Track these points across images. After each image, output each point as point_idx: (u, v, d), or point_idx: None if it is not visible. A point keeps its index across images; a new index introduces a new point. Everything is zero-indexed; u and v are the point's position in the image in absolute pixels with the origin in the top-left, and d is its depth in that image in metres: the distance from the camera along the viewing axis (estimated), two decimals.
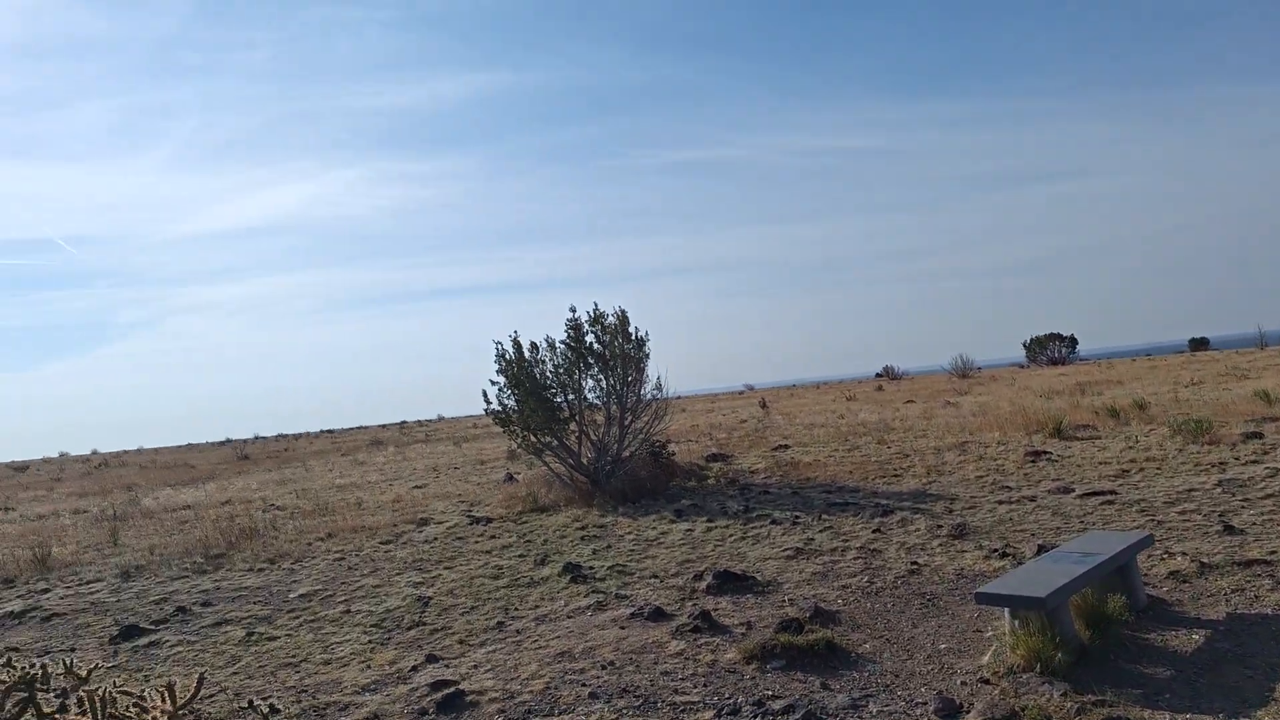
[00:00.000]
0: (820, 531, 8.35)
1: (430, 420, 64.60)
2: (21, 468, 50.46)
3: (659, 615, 5.92)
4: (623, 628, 5.85)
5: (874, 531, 8.09)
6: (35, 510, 19.03)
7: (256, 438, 66.16)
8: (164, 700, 3.61)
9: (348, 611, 7.10)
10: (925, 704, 4.16)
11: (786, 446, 15.73)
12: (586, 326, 12.44)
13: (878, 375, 51.31)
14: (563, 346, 12.46)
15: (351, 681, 5.31)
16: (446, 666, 5.39)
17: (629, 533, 9.23)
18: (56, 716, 3.45)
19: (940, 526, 7.99)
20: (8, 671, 3.54)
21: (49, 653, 6.72)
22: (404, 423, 64.00)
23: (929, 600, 5.90)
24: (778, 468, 13.11)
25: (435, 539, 10.03)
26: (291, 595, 7.91)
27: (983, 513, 8.53)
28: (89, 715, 3.39)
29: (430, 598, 7.26)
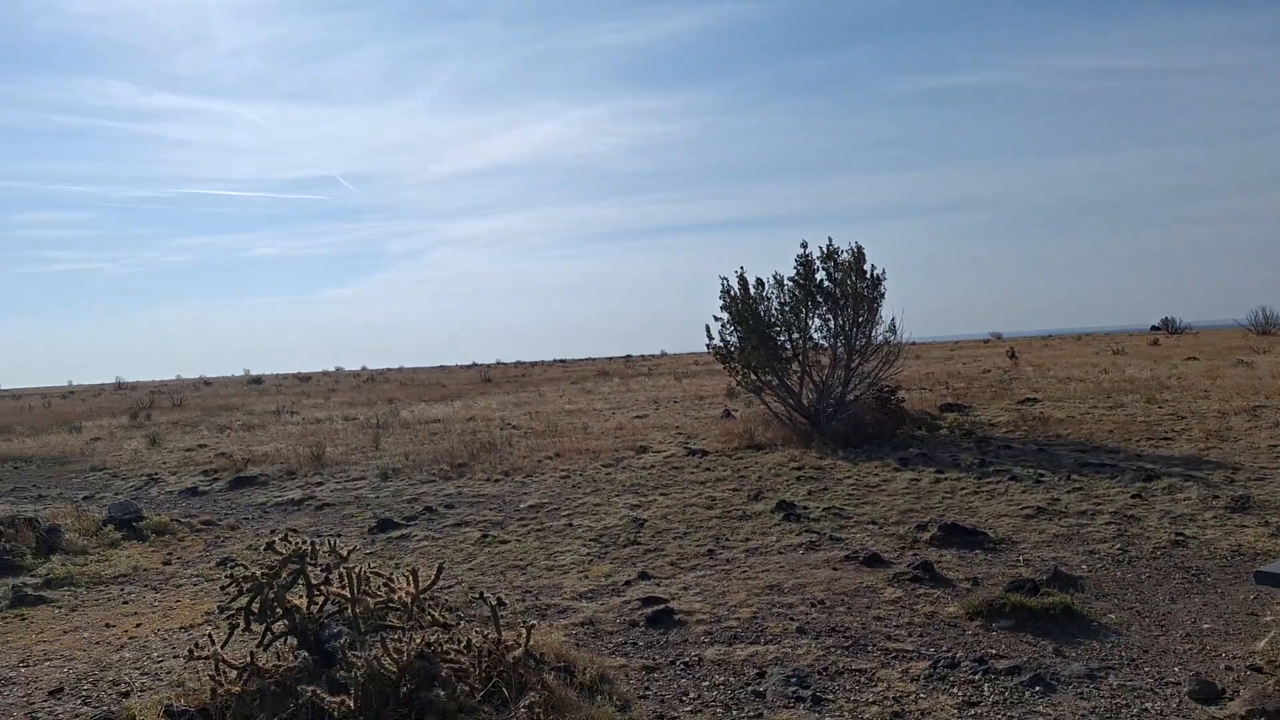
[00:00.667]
0: (1068, 492, 7.61)
1: (654, 355, 66.79)
2: (305, 379, 59.00)
3: (875, 561, 5.74)
4: (835, 569, 5.74)
5: (1133, 497, 7.23)
6: (314, 415, 22.22)
7: (498, 363, 72.30)
8: (408, 584, 4.07)
9: (570, 525, 7.60)
10: (1178, 684, 3.69)
11: (1035, 400, 14.45)
12: (818, 263, 12.07)
13: (1153, 328, 45.51)
14: (790, 284, 12.20)
15: (570, 588, 5.69)
16: (657, 585, 5.61)
17: (848, 477, 8.99)
18: (321, 587, 4.02)
19: (1216, 497, 6.98)
20: (284, 545, 4.16)
21: (319, 535, 7.86)
22: (629, 356, 66.73)
23: (1193, 575, 5.20)
24: (1023, 422, 12.10)
25: (653, 466, 10.40)
26: (522, 505, 8.60)
27: (1273, 485, 7.33)
28: (347, 589, 3.91)
29: (645, 520, 7.57)
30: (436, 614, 3.86)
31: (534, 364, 67.02)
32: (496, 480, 10.22)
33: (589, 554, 6.59)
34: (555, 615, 5.15)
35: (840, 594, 5.19)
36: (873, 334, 12.12)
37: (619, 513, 7.94)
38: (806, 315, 12.09)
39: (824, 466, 9.64)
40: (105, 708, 3.96)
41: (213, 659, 3.72)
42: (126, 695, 4.23)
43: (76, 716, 4.00)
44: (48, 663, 4.82)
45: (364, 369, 69.17)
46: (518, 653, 3.47)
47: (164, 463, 13.99)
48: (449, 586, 5.74)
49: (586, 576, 5.96)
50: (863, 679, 3.96)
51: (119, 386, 64.73)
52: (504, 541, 7.19)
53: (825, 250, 12.03)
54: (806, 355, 12.13)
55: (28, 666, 4.77)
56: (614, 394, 24.60)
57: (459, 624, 3.95)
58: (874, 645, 4.35)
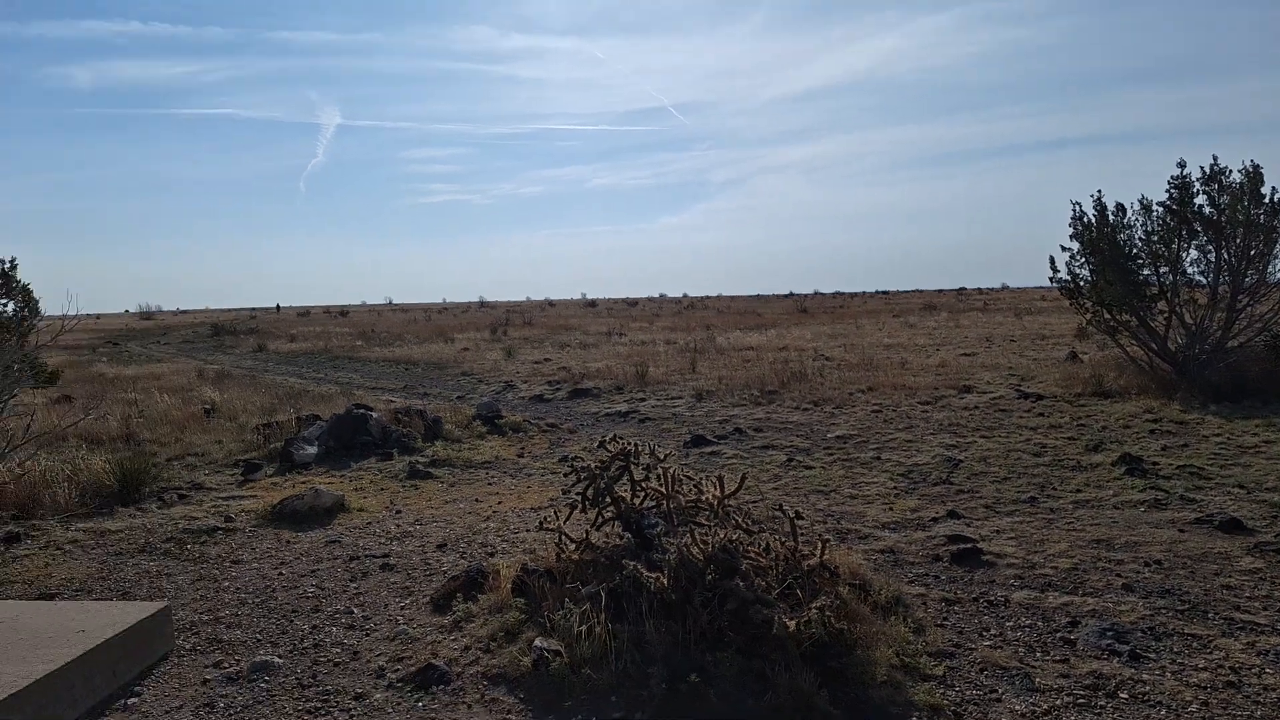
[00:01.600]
0: None
1: (992, 289, 61.80)
2: (633, 303, 63.53)
3: (1234, 527, 5.10)
4: (1181, 530, 5.21)
5: None
6: (639, 338, 24.13)
7: (815, 293, 71.88)
8: (715, 489, 4.53)
9: (878, 458, 7.66)
10: None
11: None
12: (1198, 186, 10.42)
13: None
14: (1160, 210, 10.69)
15: (873, 518, 5.84)
16: (967, 525, 5.54)
17: (1217, 434, 7.89)
18: (642, 483, 4.62)
19: None
20: (613, 445, 4.82)
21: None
22: (962, 289, 62.48)
23: None
24: None
25: (976, 407, 9.96)
26: (829, 435, 8.80)
27: None
28: (663, 486, 4.46)
29: (961, 461, 7.38)
30: (740, 519, 4.27)
31: (853, 295, 65.56)
32: (805, 409, 10.49)
33: (895, 488, 6.64)
34: (855, 540, 5.35)
35: (1183, 557, 4.74)
36: (1268, 270, 10.25)
37: (932, 451, 7.81)
38: (1180, 247, 10.54)
39: (1187, 421, 8.53)
40: (477, 561, 4.97)
41: (556, 532, 4.50)
42: (492, 555, 5.25)
43: (455, 565, 5.08)
44: (434, 524, 6.11)
45: (685, 296, 72.83)
46: (813, 561, 3.75)
47: (517, 372, 16.26)
48: (753, 501, 6.18)
49: (891, 509, 6.05)
50: (1195, 644, 3.66)
51: (481, 305, 75.24)
52: (809, 467, 7.47)
53: (1208, 171, 10.32)
54: (1177, 293, 10.63)
55: (420, 525, 6.08)
56: (940, 329, 23.44)
57: (759, 531, 4.32)
58: (1216, 613, 3.97)
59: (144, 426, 10.01)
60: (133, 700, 3.51)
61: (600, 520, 4.62)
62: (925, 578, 4.64)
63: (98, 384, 15.62)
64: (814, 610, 3.30)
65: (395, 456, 8.31)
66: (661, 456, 4.77)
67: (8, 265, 7.08)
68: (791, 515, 4.08)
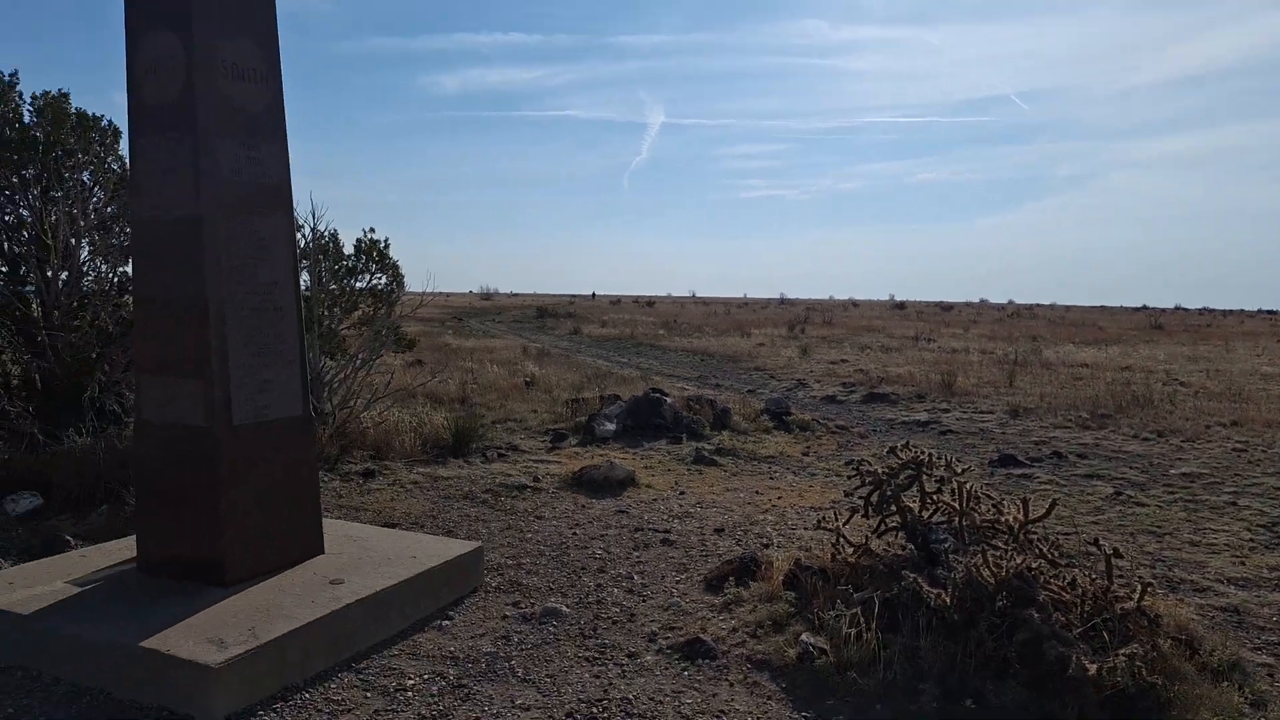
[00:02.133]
0: None
1: None
2: (947, 308, 59.95)
3: None
4: None
5: None
6: (950, 345, 22.75)
7: (1176, 308, 62.73)
8: (1018, 511, 4.20)
9: (1233, 504, 6.58)
10: None
11: None
12: None
13: None
14: None
15: (1217, 570, 5.04)
16: None
17: None
18: (933, 496, 4.42)
19: None
20: (905, 452, 4.66)
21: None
22: None
23: None
24: None
25: None
26: (1172, 471, 7.71)
27: None
28: (956, 501, 4.23)
29: None
30: (1043, 548, 3.93)
31: (1227, 313, 56.17)
32: (1145, 439, 9.27)
33: (1253, 540, 5.66)
34: (1188, 591, 4.66)
35: None
36: None
37: None
38: None
39: None
40: (752, 550, 5.09)
41: (834, 532, 4.47)
42: (767, 546, 5.34)
43: (730, 550, 5.24)
44: (714, 509, 6.32)
45: (1010, 303, 67.26)
46: (1128, 605, 3.35)
47: (810, 371, 16.19)
48: (1064, 532, 5.62)
49: (1242, 563, 5.17)
50: None
51: (782, 301, 75.59)
52: (1141, 504, 6.61)
53: None
54: None
55: (701, 508, 6.33)
56: None
57: (1066, 565, 3.94)
58: None
59: (476, 392, 11.46)
60: (446, 623, 4.09)
61: (883, 528, 4.50)
62: (1279, 647, 3.93)
63: (443, 352, 18.12)
64: (1122, 657, 2.96)
65: (684, 441, 8.71)
66: (959, 471, 4.53)
67: (383, 244, 8.47)
68: (1108, 552, 3.68)
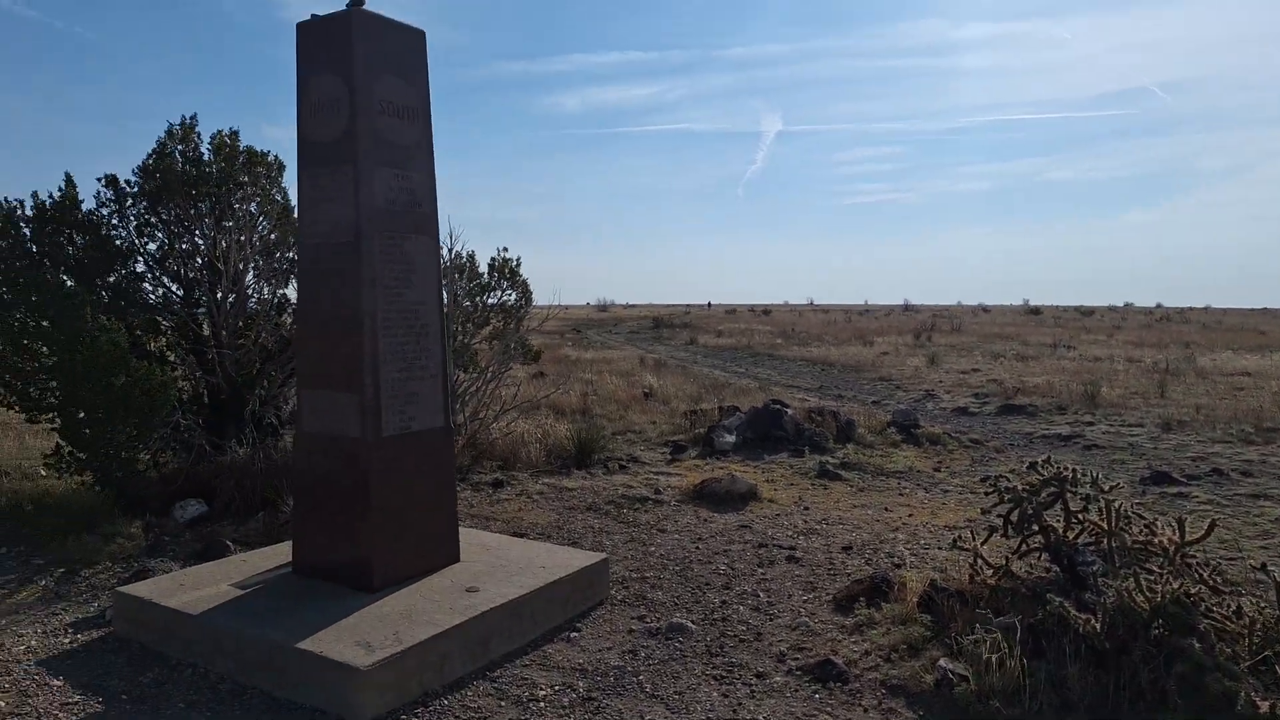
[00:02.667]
0: None
1: None
2: (1088, 312, 56.68)
3: None
4: None
5: None
6: (1092, 353, 21.50)
7: None
8: (1173, 532, 3.96)
9: None
10: None
11: None
12: None
13: None
14: None
15: None
16: None
17: None
18: (1078, 515, 4.22)
19: None
20: (1046, 468, 4.46)
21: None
22: None
23: None
24: None
25: None
26: None
27: None
28: (1104, 521, 4.03)
29: None
30: (1204, 573, 3.69)
31: None
32: None
33: None
34: None
35: None
36: None
37: None
38: None
39: None
40: (882, 569, 4.98)
41: (972, 553, 4.33)
42: (898, 566, 5.22)
43: (860, 569, 5.14)
44: (840, 525, 6.23)
45: (1158, 306, 62.98)
46: None
47: (939, 381, 15.65)
48: (1228, 557, 5.24)
49: None
50: None
51: (906, 308, 73.37)
52: None
53: None
54: None
55: (827, 524, 6.24)
56: None
57: (1230, 592, 3.68)
58: None
59: (596, 403, 11.69)
60: (574, 634, 4.20)
61: (1024, 548, 4.33)
62: None
63: (564, 364, 18.56)
64: None
65: (806, 454, 8.60)
66: (1106, 488, 4.31)
67: (515, 263, 8.78)
68: (1279, 579, 3.42)
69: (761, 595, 4.74)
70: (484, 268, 8.68)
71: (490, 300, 8.65)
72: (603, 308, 75.24)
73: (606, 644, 4.08)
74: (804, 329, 35.82)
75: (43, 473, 5.72)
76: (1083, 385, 12.90)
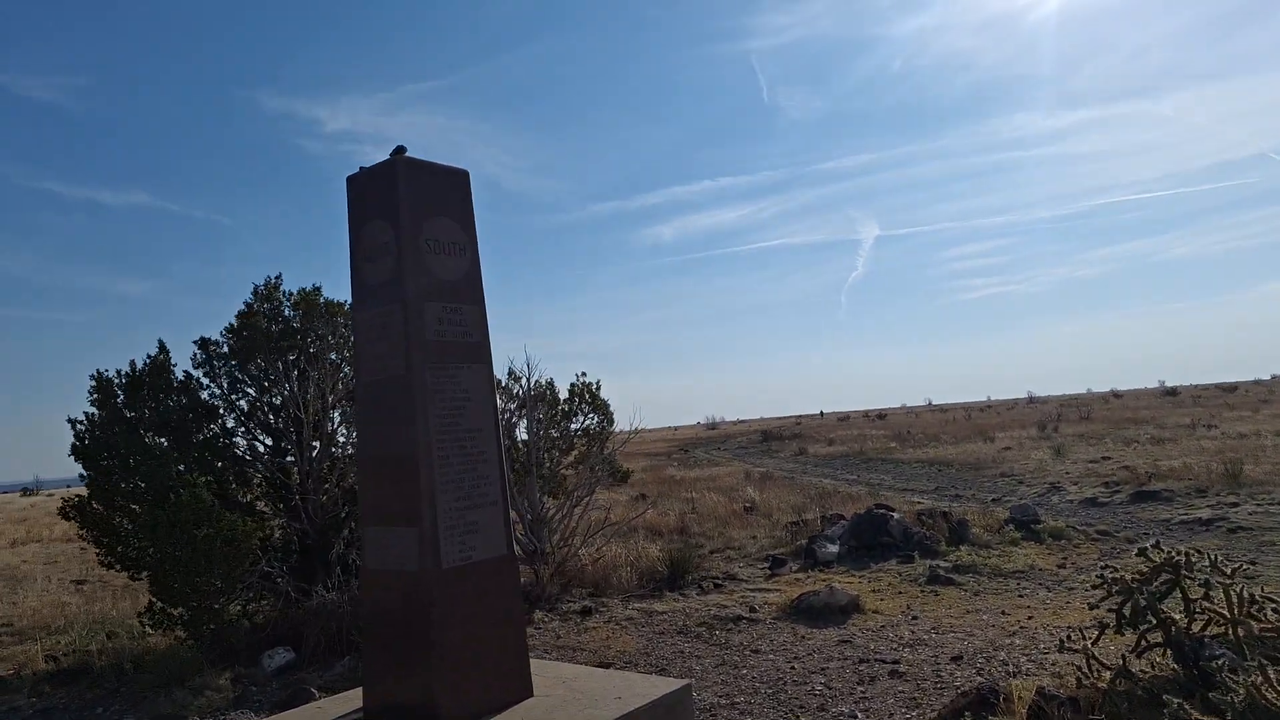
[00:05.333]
0: None
1: None
2: (1230, 388, 52.66)
3: None
4: None
5: None
6: (1236, 429, 19.82)
7: None
8: None
9: None
10: None
11: None
12: None
13: None
14: None
15: None
16: None
17: None
18: (1200, 602, 3.78)
19: None
20: (1156, 553, 4.06)
21: (1228, 559, 7.15)
22: None
23: None
24: None
25: None
26: None
27: None
28: (1229, 608, 3.60)
29: None
30: None
31: None
32: None
33: None
34: None
35: None
36: None
37: None
38: None
39: None
40: (993, 680, 4.57)
41: (1083, 653, 3.93)
42: (1014, 675, 4.77)
43: (969, 680, 4.73)
44: (952, 634, 5.78)
45: None
46: None
47: (1066, 472, 14.70)
48: None
49: None
50: None
51: (1030, 400, 70.06)
52: None
53: None
54: None
55: (937, 634, 5.81)
56: None
57: None
58: None
59: (695, 521, 11.48)
60: None
61: (1143, 645, 3.90)
62: None
63: (666, 484, 18.42)
64: None
65: (916, 559, 8.13)
66: (1228, 571, 3.88)
67: (594, 386, 8.94)
68: None
69: (859, 716, 4.41)
70: (569, 395, 8.85)
71: (574, 426, 8.76)
72: (712, 425, 74.92)
73: None
74: (920, 430, 34.58)
75: (148, 631, 5.96)
76: (1224, 465, 11.85)
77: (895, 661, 5.24)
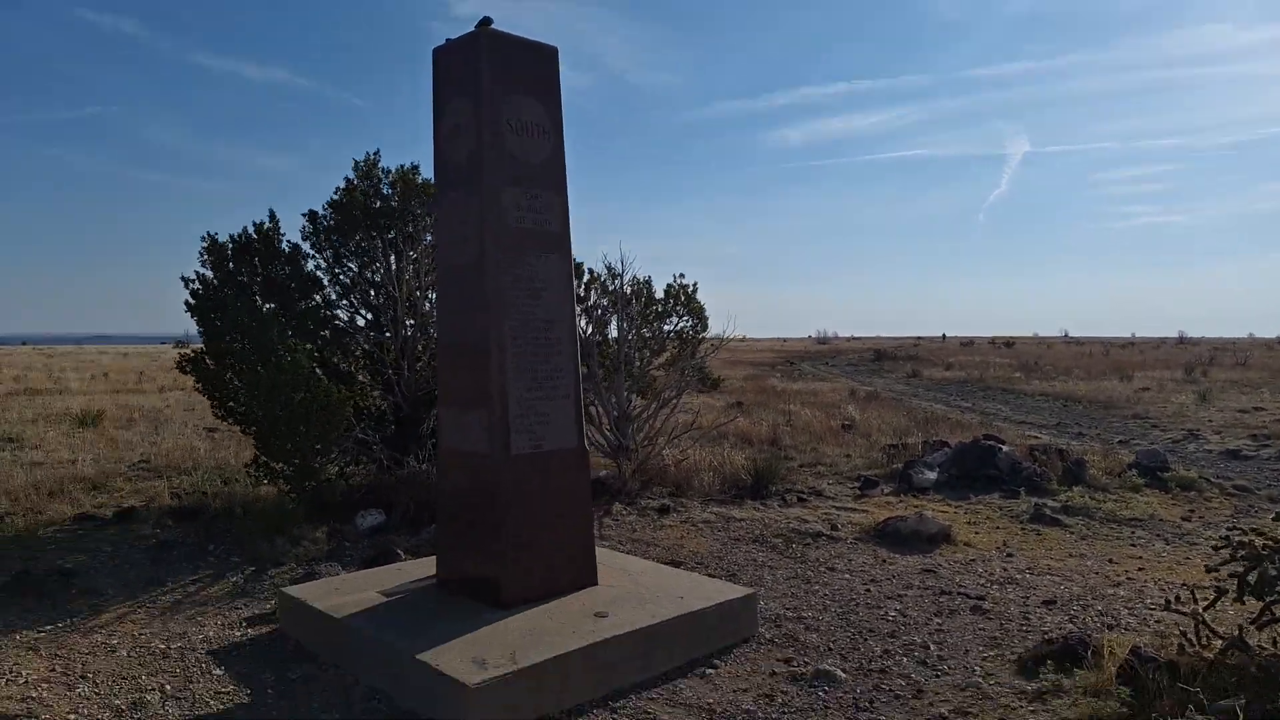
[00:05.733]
0: None
1: None
2: None
3: None
4: None
5: None
6: None
7: None
8: None
9: None
10: None
11: None
12: None
13: None
14: None
15: None
16: None
17: None
18: None
19: None
20: None
21: None
22: None
23: None
24: None
25: None
26: None
27: None
28: None
29: None
30: None
31: None
32: None
33: None
34: None
35: None
36: None
37: None
38: None
39: None
40: (1085, 631, 4.25)
41: (1192, 616, 3.57)
42: (1110, 628, 4.43)
43: (1059, 627, 4.43)
44: (1048, 576, 5.44)
45: None
46: None
47: (1209, 420, 13.62)
48: None
49: None
50: None
51: (1180, 340, 65.31)
52: None
53: None
54: None
55: (1031, 574, 5.48)
56: None
57: None
58: None
59: (788, 433, 11.25)
60: (710, 671, 3.91)
61: (1267, 618, 3.50)
62: None
63: (766, 394, 18.17)
64: None
65: (1021, 495, 7.69)
66: None
67: (691, 288, 8.69)
68: None
69: (931, 648, 4.20)
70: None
71: (666, 327, 8.58)
72: (822, 340, 73.44)
73: (743, 685, 3.77)
74: (1050, 361, 32.79)
75: (263, 480, 6.30)
76: None
77: (980, 597, 4.97)
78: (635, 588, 4.45)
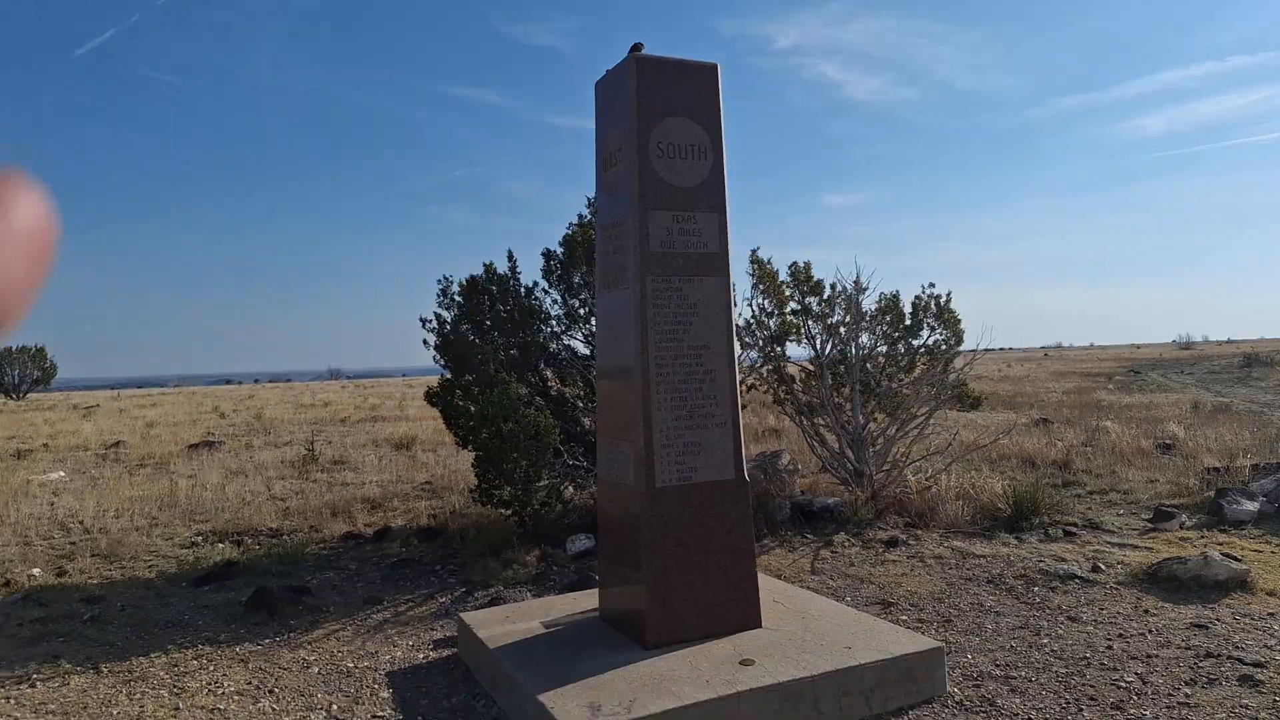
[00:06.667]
0: None
1: None
2: None
3: None
4: None
5: None
6: None
7: None
8: None
9: None
10: None
11: None
12: None
13: None
14: None
15: None
16: None
17: None
18: None
19: None
20: None
21: None
22: None
23: None
24: None
25: None
26: None
27: None
28: None
29: None
30: None
31: None
32: None
33: None
34: None
35: None
36: None
37: None
38: None
39: None
40: None
41: None
42: None
43: None
44: None
45: None
46: None
47: None
48: None
49: None
50: None
51: None
52: None
53: None
54: None
55: None
56: None
57: None
58: None
59: (1087, 455, 9.85)
60: None
61: None
62: None
63: (1083, 409, 16.09)
64: None
65: None
66: None
67: (943, 299, 7.98)
68: None
69: None
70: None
71: (915, 342, 7.94)
72: (1185, 345, 63.63)
73: None
74: None
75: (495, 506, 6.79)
76: None
77: (1258, 664, 3.95)
78: (802, 633, 4.12)
